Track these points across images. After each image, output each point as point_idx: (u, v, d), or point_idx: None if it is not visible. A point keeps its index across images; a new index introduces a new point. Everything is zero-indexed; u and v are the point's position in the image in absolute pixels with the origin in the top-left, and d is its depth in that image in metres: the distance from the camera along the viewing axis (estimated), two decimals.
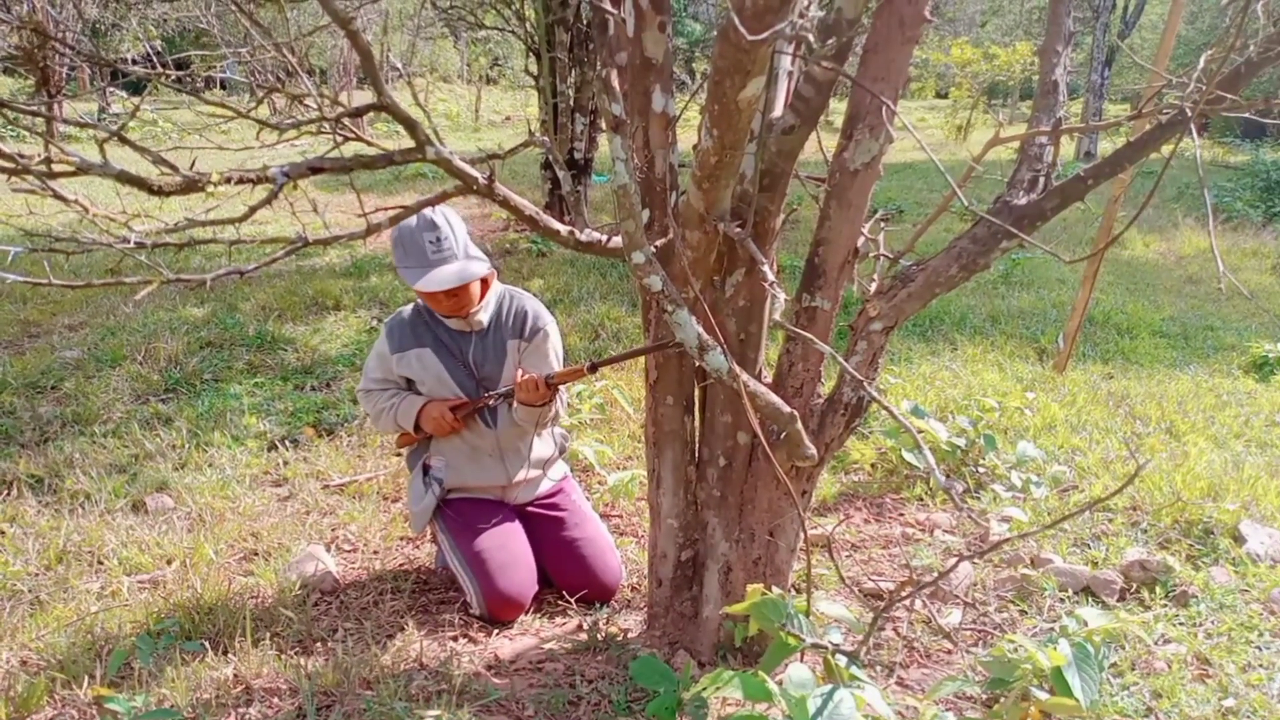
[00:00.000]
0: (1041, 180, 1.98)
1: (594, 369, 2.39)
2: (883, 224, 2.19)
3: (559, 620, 2.69)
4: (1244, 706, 2.22)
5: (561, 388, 2.64)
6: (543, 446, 2.83)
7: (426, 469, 2.79)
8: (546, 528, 2.80)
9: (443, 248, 2.46)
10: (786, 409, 1.94)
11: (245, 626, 2.45)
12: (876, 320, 2.05)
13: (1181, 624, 2.58)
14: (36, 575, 2.84)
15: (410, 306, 2.75)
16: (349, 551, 3.07)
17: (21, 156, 1.45)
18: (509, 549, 2.67)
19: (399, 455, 3.83)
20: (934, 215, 1.93)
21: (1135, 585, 2.77)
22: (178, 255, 6.83)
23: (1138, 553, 2.88)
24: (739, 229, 1.99)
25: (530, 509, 2.83)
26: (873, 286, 2.09)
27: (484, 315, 2.66)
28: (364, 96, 19.65)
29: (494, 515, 2.74)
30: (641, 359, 2.43)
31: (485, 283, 2.68)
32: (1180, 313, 6.47)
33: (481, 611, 2.62)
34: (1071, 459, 3.73)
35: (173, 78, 2.03)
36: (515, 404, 2.61)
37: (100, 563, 2.91)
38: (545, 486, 2.87)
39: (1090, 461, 3.66)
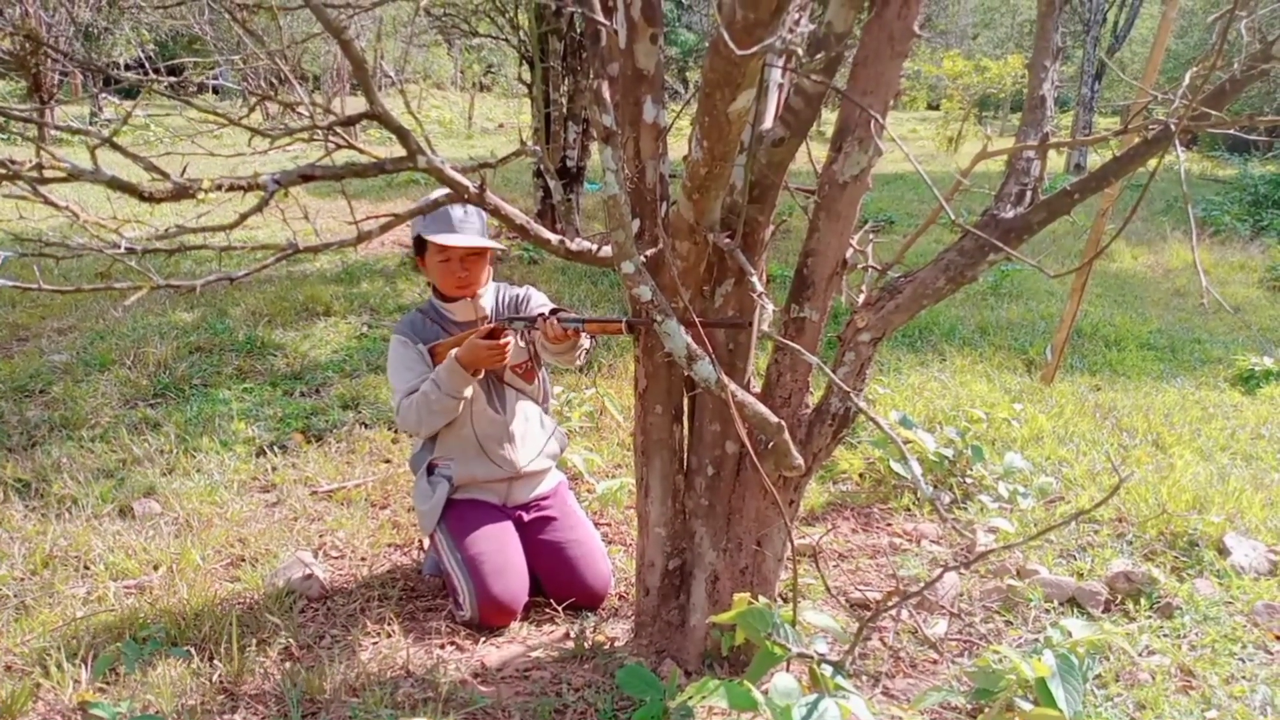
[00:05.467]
0: (1029, 194, 2.00)
1: (631, 329, 2.25)
2: (872, 235, 2.20)
3: (546, 628, 2.69)
4: (1227, 718, 2.23)
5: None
6: (545, 437, 2.89)
7: (431, 469, 2.80)
8: (538, 530, 2.81)
9: (468, 221, 2.63)
10: (774, 419, 1.95)
11: (231, 632, 2.45)
12: (864, 331, 2.06)
13: (1166, 636, 2.59)
14: (22, 580, 2.82)
15: (413, 312, 2.82)
16: (336, 558, 3.06)
17: (13, 161, 1.45)
18: (506, 554, 2.68)
19: (387, 462, 3.84)
20: (921, 228, 1.94)
21: (1120, 597, 2.78)
22: (168, 261, 6.82)
23: (1123, 564, 2.89)
24: (728, 239, 2.01)
25: (525, 515, 2.84)
26: (861, 298, 2.10)
27: (486, 301, 2.78)
28: (357, 102, 19.65)
29: (494, 520, 2.76)
30: (634, 365, 2.42)
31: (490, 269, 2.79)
32: (1168, 325, 6.51)
33: (473, 614, 2.62)
34: (1058, 470, 3.74)
35: (165, 84, 2.03)
36: (542, 339, 2.54)
37: (86, 568, 2.90)
38: (543, 487, 2.90)
39: (1077, 473, 3.68)
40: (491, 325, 2.55)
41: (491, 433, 2.76)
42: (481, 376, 2.67)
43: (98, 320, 5.60)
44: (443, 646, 2.57)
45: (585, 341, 2.60)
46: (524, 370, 2.83)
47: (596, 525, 3.22)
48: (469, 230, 2.63)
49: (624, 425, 4.04)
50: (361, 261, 7.47)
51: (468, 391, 2.62)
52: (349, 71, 18.65)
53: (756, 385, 2.26)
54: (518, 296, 2.85)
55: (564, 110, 8.00)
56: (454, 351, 2.55)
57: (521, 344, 2.74)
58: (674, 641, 2.39)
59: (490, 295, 2.82)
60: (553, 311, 2.51)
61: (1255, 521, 3.23)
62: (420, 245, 2.69)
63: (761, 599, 1.97)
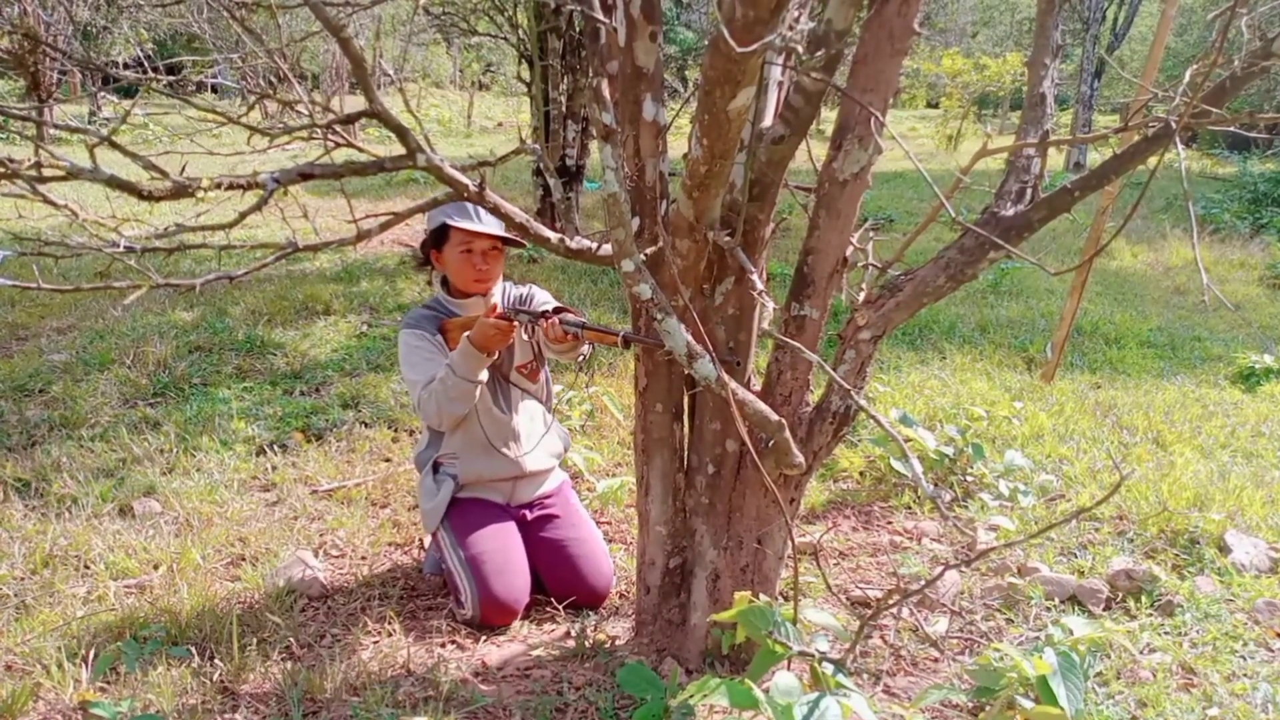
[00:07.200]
0: (1029, 192, 1.99)
1: (626, 343, 2.24)
2: (872, 233, 2.20)
3: (547, 627, 2.69)
4: (1228, 715, 2.23)
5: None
6: (549, 436, 2.90)
7: (436, 467, 2.80)
8: (540, 527, 2.82)
9: (485, 215, 2.65)
10: (775, 417, 1.95)
11: (232, 632, 2.45)
12: (865, 329, 2.06)
13: (1167, 633, 2.60)
14: (22, 579, 2.82)
15: (419, 309, 2.83)
16: (337, 557, 3.06)
17: (11, 160, 1.45)
18: (508, 554, 2.69)
19: (388, 461, 3.83)
20: (921, 226, 1.94)
21: (1121, 594, 2.78)
22: (167, 260, 6.81)
23: (1124, 562, 2.89)
24: (729, 237, 2.01)
25: (528, 513, 2.85)
26: (861, 296, 2.10)
27: (494, 298, 2.78)
28: (356, 101, 19.63)
29: (497, 520, 2.76)
30: (634, 363, 2.41)
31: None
32: (1168, 323, 6.51)
33: (474, 614, 2.62)
34: (1059, 468, 3.74)
35: (164, 82, 2.03)
36: (544, 339, 2.58)
37: (86, 567, 2.90)
38: (547, 485, 2.91)
39: (1077, 471, 3.68)
40: (499, 311, 2.56)
41: (497, 431, 2.76)
42: (494, 359, 2.66)
43: (97, 319, 5.60)
44: (443, 645, 2.57)
45: (585, 346, 2.62)
46: (529, 370, 2.83)
47: (597, 524, 3.23)
48: (490, 225, 2.66)
49: (624, 424, 4.04)
50: (361, 260, 7.46)
51: (483, 375, 2.61)
52: (348, 70, 18.63)
53: (757, 383, 2.26)
54: (522, 295, 2.86)
55: (563, 108, 7.99)
56: (466, 334, 2.55)
57: (525, 337, 2.74)
58: (675, 640, 2.39)
59: (497, 295, 2.82)
60: (556, 310, 2.52)
61: (1256, 519, 3.23)
62: (439, 239, 2.70)
63: (762, 597, 1.97)
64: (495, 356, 2.63)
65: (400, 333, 2.76)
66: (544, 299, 2.84)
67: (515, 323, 2.54)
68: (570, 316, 2.45)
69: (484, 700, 2.24)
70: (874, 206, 10.90)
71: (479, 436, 2.74)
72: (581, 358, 2.69)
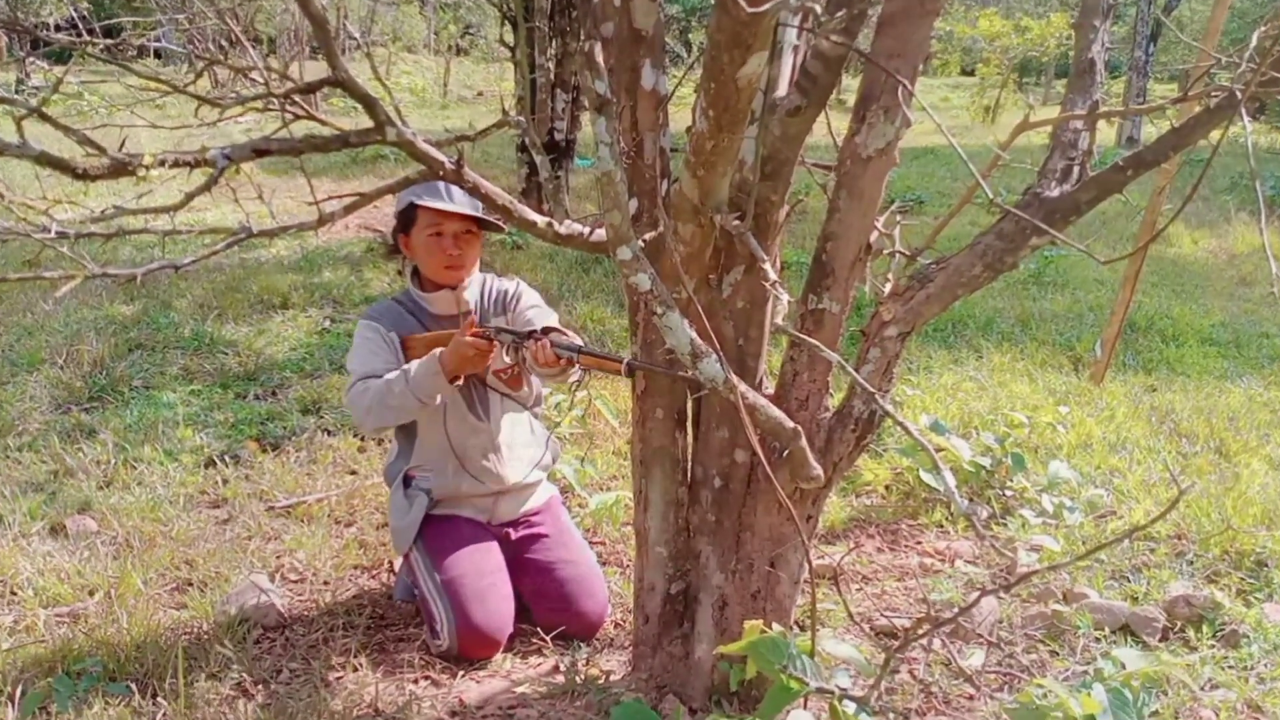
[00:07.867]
0: (1076, 170, 1.99)
1: (631, 371, 2.21)
2: (899, 217, 2.20)
3: (533, 660, 2.69)
4: None
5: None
6: (535, 447, 2.89)
7: (408, 481, 2.80)
8: (526, 548, 2.82)
9: (462, 198, 2.64)
10: (790, 424, 1.95)
11: (177, 666, 2.45)
12: (891, 325, 2.06)
13: (1231, 667, 2.60)
14: None
15: (386, 301, 2.83)
16: (296, 582, 3.06)
17: None
18: (489, 578, 2.69)
19: (353, 473, 3.84)
20: (956, 208, 1.95)
21: (1180, 623, 2.79)
22: (104, 246, 6.81)
23: (1183, 587, 2.90)
24: (738, 221, 2.00)
25: (513, 532, 2.85)
26: (887, 287, 2.10)
27: (471, 293, 2.78)
28: (317, 68, 19.60)
29: (476, 539, 2.76)
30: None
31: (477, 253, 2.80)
32: (1232, 318, 6.52)
33: (451, 645, 2.62)
34: (1109, 481, 3.75)
35: (101, 46, 2.03)
36: (531, 362, 2.54)
37: (13, 593, 2.90)
38: (533, 501, 2.90)
39: (1130, 484, 3.69)
40: (479, 328, 2.54)
41: (475, 442, 2.75)
42: (461, 383, 2.65)
43: (25, 314, 5.60)
44: (416, 681, 2.57)
45: (577, 372, 2.54)
46: (509, 376, 2.81)
47: (590, 544, 3.23)
48: (464, 206, 2.65)
49: (620, 431, 4.04)
50: (323, 247, 7.47)
51: (439, 399, 2.60)
52: (308, 33, 18.61)
53: (770, 386, 2.26)
54: (506, 292, 2.85)
55: (551, 76, 7.99)
56: (438, 351, 2.53)
57: (508, 359, 2.71)
58: (677, 675, 2.39)
59: (475, 288, 2.81)
60: (546, 330, 2.49)
61: None
62: (406, 221, 2.69)
63: (776, 627, 1.97)
64: (460, 382, 2.63)
65: (359, 323, 2.76)
66: (532, 299, 2.83)
67: (496, 343, 2.52)
68: (563, 339, 2.42)
69: None
70: (901, 186, 10.91)
71: (460, 444, 2.74)
72: (574, 382, 2.65)
